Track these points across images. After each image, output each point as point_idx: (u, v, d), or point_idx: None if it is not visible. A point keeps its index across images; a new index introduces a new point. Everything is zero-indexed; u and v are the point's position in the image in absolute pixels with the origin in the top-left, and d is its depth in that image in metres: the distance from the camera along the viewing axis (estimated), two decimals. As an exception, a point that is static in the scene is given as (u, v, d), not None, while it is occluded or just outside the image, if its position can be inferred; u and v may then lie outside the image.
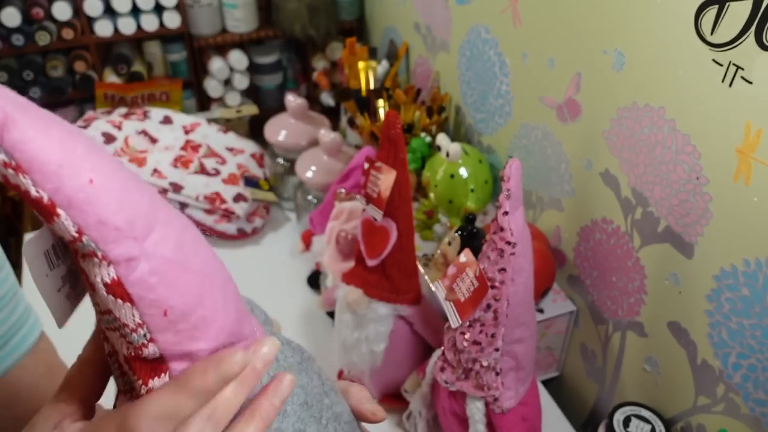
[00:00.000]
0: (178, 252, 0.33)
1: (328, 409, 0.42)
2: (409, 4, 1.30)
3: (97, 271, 0.31)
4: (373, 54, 1.28)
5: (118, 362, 0.35)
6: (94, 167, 0.30)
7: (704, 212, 0.67)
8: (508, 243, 0.62)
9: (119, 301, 0.32)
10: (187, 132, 1.26)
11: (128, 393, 0.36)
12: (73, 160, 0.30)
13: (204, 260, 0.35)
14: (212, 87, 1.48)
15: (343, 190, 0.98)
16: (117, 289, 0.31)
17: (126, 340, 0.33)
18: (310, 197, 1.15)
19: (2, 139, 0.28)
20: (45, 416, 0.37)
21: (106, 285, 0.31)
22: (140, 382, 0.33)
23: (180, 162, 1.18)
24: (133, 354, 0.33)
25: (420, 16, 1.26)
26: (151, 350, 0.33)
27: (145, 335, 0.32)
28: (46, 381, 0.59)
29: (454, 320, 0.69)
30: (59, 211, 0.29)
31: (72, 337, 0.91)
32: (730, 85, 0.61)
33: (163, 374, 0.34)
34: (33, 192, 0.29)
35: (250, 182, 1.22)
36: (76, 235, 0.30)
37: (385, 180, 0.73)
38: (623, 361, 0.86)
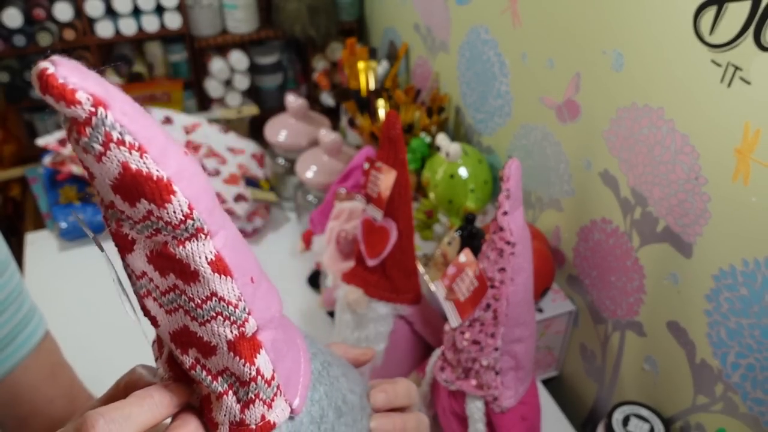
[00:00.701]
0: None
1: (341, 358, 0.43)
2: (409, 4, 1.30)
3: (201, 251, 0.30)
4: (373, 54, 1.28)
5: (206, 368, 0.34)
6: (173, 139, 0.29)
7: (703, 212, 0.68)
8: (508, 243, 0.62)
9: (222, 277, 0.31)
10: (187, 132, 1.27)
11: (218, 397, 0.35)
12: (164, 133, 0.28)
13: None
14: (213, 87, 1.49)
15: (343, 190, 0.99)
16: (220, 263, 0.30)
17: (230, 321, 0.32)
18: (310, 197, 1.15)
19: (117, 119, 0.26)
20: None
21: (211, 263, 0.30)
22: (247, 364, 0.33)
23: (181, 162, 1.18)
24: (237, 334, 0.32)
25: (420, 17, 1.27)
26: (251, 324, 0.32)
27: (244, 308, 0.32)
28: (49, 382, 0.59)
29: (454, 320, 0.69)
30: (175, 188, 0.28)
31: (75, 335, 0.91)
32: (729, 85, 0.61)
33: (261, 349, 0.33)
34: (155, 173, 0.27)
35: (251, 182, 1.22)
36: (188, 211, 0.28)
37: (385, 180, 0.73)
38: (622, 361, 0.87)
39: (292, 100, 1.21)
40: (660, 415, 0.76)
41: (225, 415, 0.34)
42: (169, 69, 1.49)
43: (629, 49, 0.73)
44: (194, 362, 0.33)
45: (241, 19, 1.44)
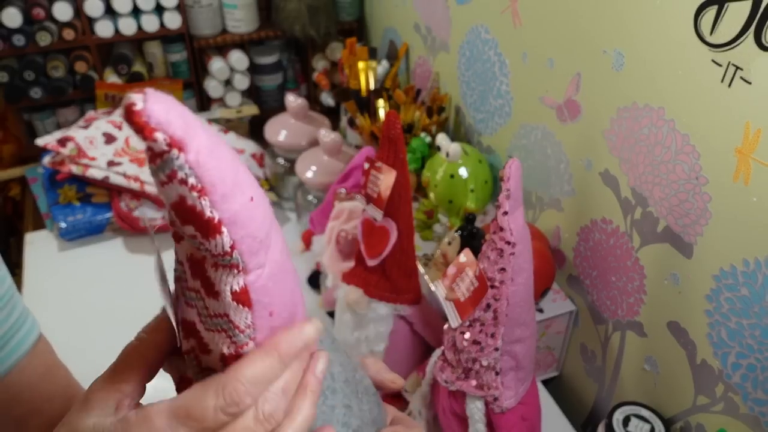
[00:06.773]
0: (282, 254, 0.35)
1: (359, 383, 0.44)
2: (409, 4, 1.30)
3: (230, 281, 0.32)
4: (373, 54, 1.28)
5: (198, 359, 0.36)
6: (251, 184, 0.31)
7: (703, 212, 0.67)
8: (508, 243, 0.62)
9: (240, 306, 0.33)
10: (187, 132, 1.26)
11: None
12: (241, 179, 0.30)
13: (288, 257, 0.36)
14: (212, 87, 1.48)
15: (343, 190, 0.99)
16: (243, 296, 0.32)
17: (231, 340, 0.34)
18: (310, 197, 1.15)
19: (188, 161, 0.28)
20: (102, 397, 0.37)
21: (234, 293, 0.32)
22: None
23: (180, 162, 1.18)
24: (233, 352, 0.34)
25: (420, 17, 1.26)
26: (249, 347, 0.34)
27: (249, 335, 0.34)
28: (46, 381, 0.59)
29: (454, 320, 0.69)
30: (223, 229, 0.30)
31: (74, 335, 0.91)
32: (730, 85, 0.61)
33: None
34: (207, 213, 0.29)
35: (251, 182, 1.22)
36: (229, 250, 0.31)
37: (385, 180, 0.73)
38: (623, 361, 0.86)
39: (292, 99, 1.21)
40: (660, 416, 0.76)
41: None
42: (168, 69, 1.49)
43: (630, 48, 0.73)
44: (190, 349, 0.37)
45: (241, 18, 1.44)
